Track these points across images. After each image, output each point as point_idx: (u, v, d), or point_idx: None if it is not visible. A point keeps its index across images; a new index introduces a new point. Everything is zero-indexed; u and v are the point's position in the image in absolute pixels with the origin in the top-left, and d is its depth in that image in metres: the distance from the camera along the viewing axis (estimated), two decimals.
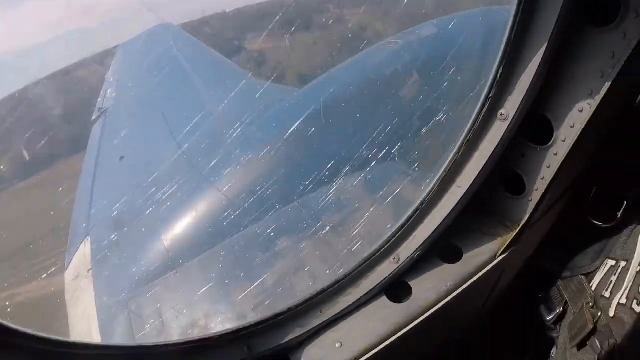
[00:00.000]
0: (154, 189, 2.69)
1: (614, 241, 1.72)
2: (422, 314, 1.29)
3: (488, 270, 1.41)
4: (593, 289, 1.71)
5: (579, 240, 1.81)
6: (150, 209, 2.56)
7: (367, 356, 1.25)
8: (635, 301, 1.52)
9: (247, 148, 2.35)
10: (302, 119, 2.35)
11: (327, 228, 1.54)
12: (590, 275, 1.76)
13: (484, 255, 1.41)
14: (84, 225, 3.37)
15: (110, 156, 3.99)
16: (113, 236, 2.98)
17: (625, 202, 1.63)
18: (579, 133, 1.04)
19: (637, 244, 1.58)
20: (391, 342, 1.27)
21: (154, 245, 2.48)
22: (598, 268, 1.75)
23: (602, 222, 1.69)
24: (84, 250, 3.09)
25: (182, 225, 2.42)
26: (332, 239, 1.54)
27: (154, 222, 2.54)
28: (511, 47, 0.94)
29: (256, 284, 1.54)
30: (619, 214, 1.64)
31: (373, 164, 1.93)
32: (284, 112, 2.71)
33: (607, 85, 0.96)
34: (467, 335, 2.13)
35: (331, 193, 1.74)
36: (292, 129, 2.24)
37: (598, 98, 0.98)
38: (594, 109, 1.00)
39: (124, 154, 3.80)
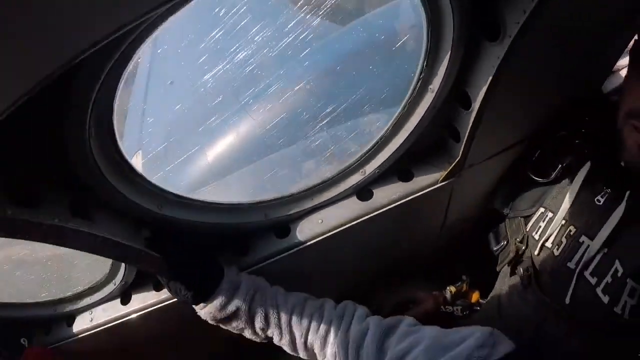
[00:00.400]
0: (199, 111, 3.37)
1: (547, 194, 2.21)
2: (377, 211, 2.14)
3: (431, 191, 2.20)
4: (527, 229, 2.24)
5: (523, 189, 2.36)
6: (197, 128, 3.26)
7: (337, 230, 2.12)
8: (557, 247, 2.00)
9: (284, 79, 2.69)
10: (338, 56, 2.79)
11: (317, 144, 2.36)
12: (527, 218, 2.28)
13: (429, 180, 2.19)
14: (137, 139, 4.15)
15: (159, 80, 4.64)
16: (162, 150, 3.73)
17: (560, 166, 2.16)
18: (479, 105, 1.80)
19: (563, 201, 2.06)
20: (354, 224, 2.14)
21: (198, 160, 3.03)
22: (534, 213, 2.23)
23: (540, 177, 2.23)
24: (136, 161, 3.88)
25: (223, 144, 2.99)
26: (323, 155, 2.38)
27: (199, 140, 3.03)
28: (429, 48, 1.66)
29: (270, 173, 2.41)
30: (553, 174, 2.17)
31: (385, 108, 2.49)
32: (323, 48, 2.95)
33: (491, 78, 1.68)
34: (430, 257, 2.99)
35: (344, 125, 2.40)
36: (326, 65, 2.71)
37: (490, 83, 1.71)
38: (487, 89, 1.75)
39: (173, 78, 4.47)
